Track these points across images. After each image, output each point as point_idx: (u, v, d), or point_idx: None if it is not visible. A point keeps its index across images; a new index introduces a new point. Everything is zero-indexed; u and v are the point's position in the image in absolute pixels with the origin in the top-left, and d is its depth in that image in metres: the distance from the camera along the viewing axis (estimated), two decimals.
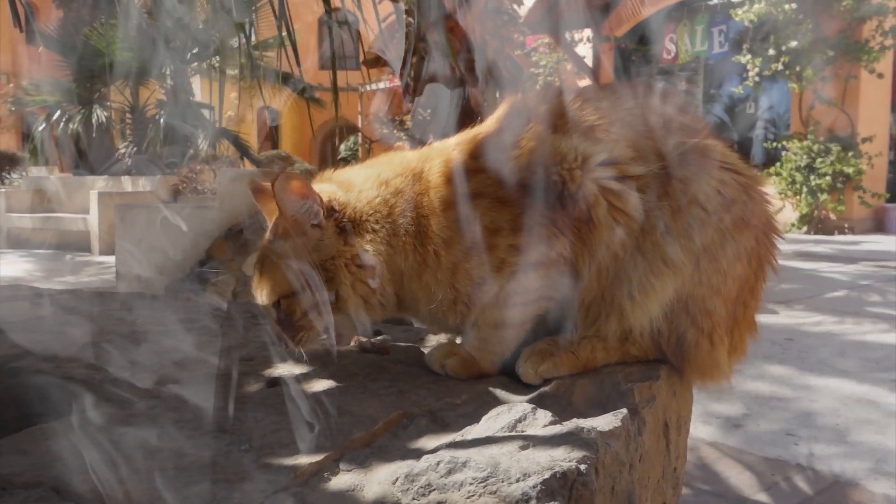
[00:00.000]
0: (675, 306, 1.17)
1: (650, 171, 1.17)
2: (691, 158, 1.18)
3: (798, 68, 10.94)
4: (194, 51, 10.33)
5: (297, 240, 1.19)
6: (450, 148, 1.29)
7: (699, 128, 1.24)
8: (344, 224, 1.21)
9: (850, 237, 10.73)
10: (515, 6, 7.66)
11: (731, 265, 1.17)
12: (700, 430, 2.59)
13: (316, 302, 1.18)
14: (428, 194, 1.22)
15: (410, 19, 3.29)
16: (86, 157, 11.74)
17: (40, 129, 12.24)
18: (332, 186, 1.27)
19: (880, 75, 10.89)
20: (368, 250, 1.20)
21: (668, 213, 1.15)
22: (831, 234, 11.10)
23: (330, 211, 1.21)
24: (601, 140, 1.19)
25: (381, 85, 15.27)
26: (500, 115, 1.32)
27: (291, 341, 1.21)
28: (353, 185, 1.27)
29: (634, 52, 14.79)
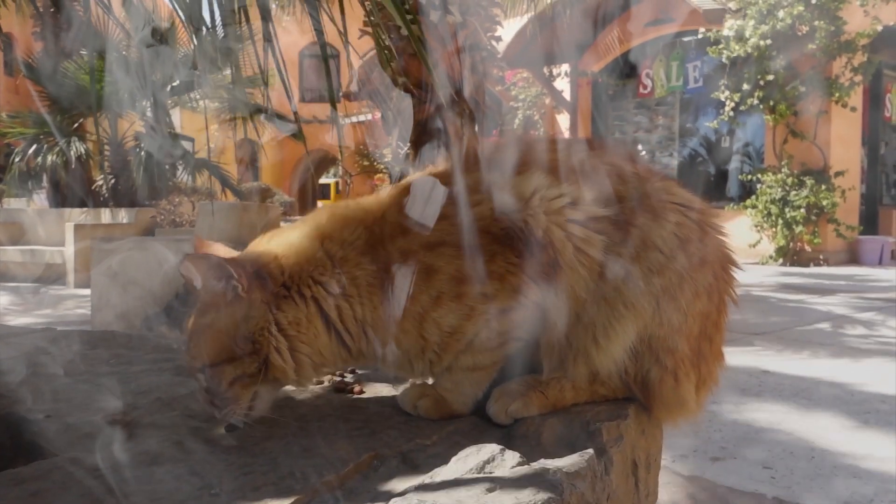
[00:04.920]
0: (639, 346, 1.20)
1: (610, 216, 1.19)
2: (646, 204, 1.21)
3: (771, 103, 11.19)
4: (175, 83, 10.37)
5: (222, 312, 1.16)
6: (403, 194, 1.26)
7: (650, 176, 1.28)
8: (275, 290, 1.17)
9: (825, 269, 10.88)
10: (494, 42, 7.80)
11: (690, 303, 1.20)
12: (677, 464, 2.60)
13: (242, 374, 1.15)
14: (384, 246, 1.20)
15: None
16: (63, 188, 11.68)
17: (17, 160, 12.15)
18: (269, 250, 1.23)
19: (853, 108, 11.16)
20: (310, 310, 1.18)
21: (626, 259, 1.18)
22: (807, 265, 11.27)
23: (255, 280, 1.16)
24: (562, 184, 1.21)
25: (362, 117, 15.39)
26: (456, 159, 1.32)
27: (218, 411, 1.16)
28: (292, 245, 1.23)
29: (612, 87, 15.05)
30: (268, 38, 1.81)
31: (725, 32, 11.28)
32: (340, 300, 1.19)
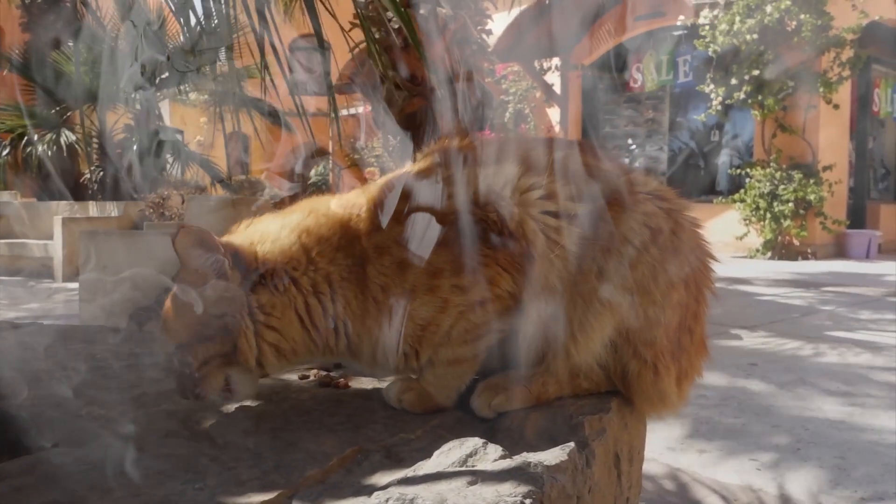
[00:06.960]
0: (617, 340, 1.21)
1: (582, 210, 1.20)
2: (615, 197, 1.22)
3: (760, 97, 11.22)
4: (164, 76, 10.30)
5: (200, 291, 1.16)
6: (378, 191, 1.28)
7: (618, 170, 1.28)
8: (252, 275, 1.19)
9: (812, 263, 10.94)
10: (484, 35, 7.80)
11: (665, 295, 1.20)
12: (663, 456, 2.62)
13: (214, 354, 1.17)
14: (360, 242, 1.22)
15: None
16: (51, 182, 11.60)
17: (4, 153, 12.07)
18: (246, 237, 1.25)
19: (836, 106, 11.21)
20: (283, 300, 1.19)
21: (600, 254, 1.19)
22: (795, 259, 11.33)
23: (237, 262, 1.18)
24: (534, 176, 1.22)
25: (353, 111, 15.33)
26: (428, 156, 1.33)
27: (189, 391, 1.18)
28: (269, 235, 1.24)
29: (602, 81, 15.06)
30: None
31: (701, 21, 11.29)
32: (310, 297, 1.20)
